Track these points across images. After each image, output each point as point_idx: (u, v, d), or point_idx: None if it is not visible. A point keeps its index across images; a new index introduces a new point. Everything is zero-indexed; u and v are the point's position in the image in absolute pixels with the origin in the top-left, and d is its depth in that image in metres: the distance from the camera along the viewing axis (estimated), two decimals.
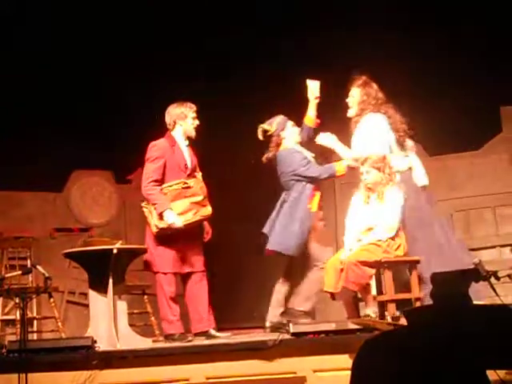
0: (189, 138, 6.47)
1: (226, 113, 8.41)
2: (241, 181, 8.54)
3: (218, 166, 7.84)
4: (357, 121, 6.58)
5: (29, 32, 8.44)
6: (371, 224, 6.40)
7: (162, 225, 6.15)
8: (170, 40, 8.67)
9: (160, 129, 6.59)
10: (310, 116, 6.86)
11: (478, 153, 8.77)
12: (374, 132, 6.49)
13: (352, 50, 7.94)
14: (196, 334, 6.35)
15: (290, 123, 6.77)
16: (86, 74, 8.76)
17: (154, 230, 6.20)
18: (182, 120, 6.41)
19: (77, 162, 9.26)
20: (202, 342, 6.08)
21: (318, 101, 6.82)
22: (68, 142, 8.72)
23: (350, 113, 6.63)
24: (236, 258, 7.00)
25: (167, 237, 6.23)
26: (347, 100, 6.63)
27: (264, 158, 6.74)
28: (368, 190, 6.47)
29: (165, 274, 6.26)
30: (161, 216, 6.16)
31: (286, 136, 6.72)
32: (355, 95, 6.59)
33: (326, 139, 6.66)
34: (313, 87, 6.82)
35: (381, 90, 6.59)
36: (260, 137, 6.73)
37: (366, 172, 6.41)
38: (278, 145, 6.72)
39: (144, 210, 6.30)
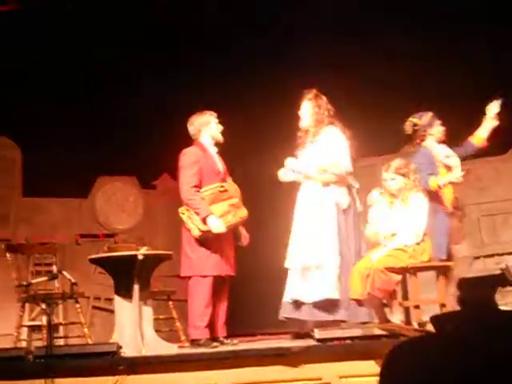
0: (216, 143, 6.52)
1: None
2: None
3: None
4: (315, 132, 6.66)
5: (56, 45, 8.53)
6: (396, 229, 6.37)
7: (206, 228, 6.18)
8: (195, 47, 8.69)
9: (182, 137, 6.63)
10: (481, 135, 6.93)
11: (504, 157, 8.72)
12: (339, 143, 6.63)
13: (354, 51, 8.01)
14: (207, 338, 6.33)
15: (438, 122, 6.87)
16: (110, 80, 8.81)
17: (197, 233, 6.20)
18: (207, 126, 6.48)
19: (101, 168, 9.31)
20: (227, 347, 6.07)
21: (494, 123, 6.89)
22: (92, 148, 8.79)
23: (303, 123, 6.74)
24: (262, 263, 6.99)
25: (207, 240, 6.25)
26: (299, 113, 6.75)
27: (404, 151, 6.81)
28: (392, 196, 6.45)
29: (204, 277, 6.26)
30: (203, 221, 6.20)
31: (431, 133, 6.82)
32: (307, 108, 6.74)
33: (288, 176, 6.65)
34: (491, 108, 6.88)
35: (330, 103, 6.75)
36: (408, 130, 6.84)
37: (390, 179, 6.39)
38: (422, 140, 6.82)
39: (182, 215, 6.30)
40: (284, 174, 6.68)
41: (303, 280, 6.46)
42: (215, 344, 6.15)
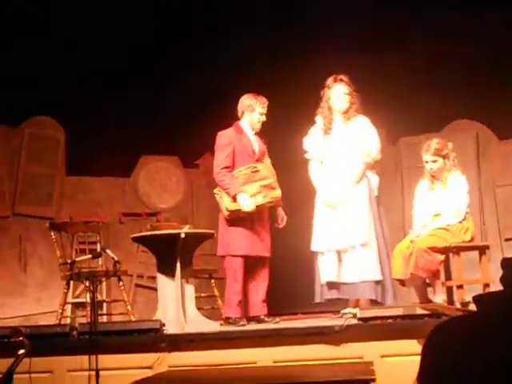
0: (253, 129, 6.55)
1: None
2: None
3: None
4: (348, 117, 6.57)
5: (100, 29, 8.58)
6: (438, 210, 6.34)
7: (234, 207, 6.25)
8: (239, 30, 8.67)
9: (224, 116, 6.65)
10: None
11: None
12: (372, 133, 6.56)
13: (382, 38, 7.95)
14: (248, 319, 6.39)
15: None
16: (151, 60, 8.84)
17: (226, 213, 6.30)
18: (250, 112, 6.52)
19: (144, 148, 9.37)
20: (269, 325, 6.10)
21: None
22: (135, 128, 8.84)
23: (340, 106, 6.58)
24: (305, 244, 6.99)
25: (239, 220, 6.33)
26: (334, 96, 6.57)
27: None
28: (432, 177, 6.42)
29: (236, 256, 6.33)
30: (234, 199, 6.26)
31: None
32: (344, 91, 6.58)
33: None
34: None
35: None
36: None
37: (432, 161, 6.36)
38: None
39: (216, 195, 6.42)
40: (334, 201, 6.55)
41: (340, 261, 6.43)
42: (242, 323, 6.23)
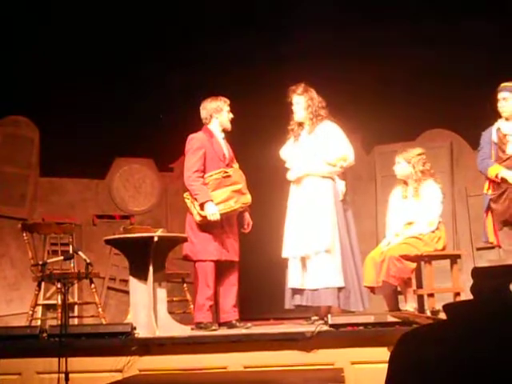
0: (224, 130, 6.55)
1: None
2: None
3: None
4: (312, 126, 6.59)
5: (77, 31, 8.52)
6: (411, 219, 6.38)
7: (204, 214, 6.23)
8: (214, 31, 8.67)
9: (200, 120, 6.65)
10: None
11: None
12: (341, 137, 6.57)
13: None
14: (220, 324, 6.39)
15: (503, 95, 6.28)
16: (127, 61, 8.81)
17: (198, 218, 6.28)
18: (218, 113, 6.53)
19: (119, 150, 9.33)
20: (240, 331, 6.09)
21: None
22: (110, 129, 8.81)
23: (298, 117, 6.64)
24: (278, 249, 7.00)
25: (208, 225, 6.32)
26: (293, 108, 6.63)
27: None
28: (402, 182, 6.47)
29: (204, 261, 6.31)
30: (201, 207, 6.24)
31: (499, 109, 6.35)
32: (300, 102, 6.61)
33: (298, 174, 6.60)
34: None
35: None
36: None
37: (397, 163, 6.43)
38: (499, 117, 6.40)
39: (186, 200, 6.41)
40: (294, 175, 6.63)
41: (305, 268, 6.45)
42: (214, 328, 6.23)
